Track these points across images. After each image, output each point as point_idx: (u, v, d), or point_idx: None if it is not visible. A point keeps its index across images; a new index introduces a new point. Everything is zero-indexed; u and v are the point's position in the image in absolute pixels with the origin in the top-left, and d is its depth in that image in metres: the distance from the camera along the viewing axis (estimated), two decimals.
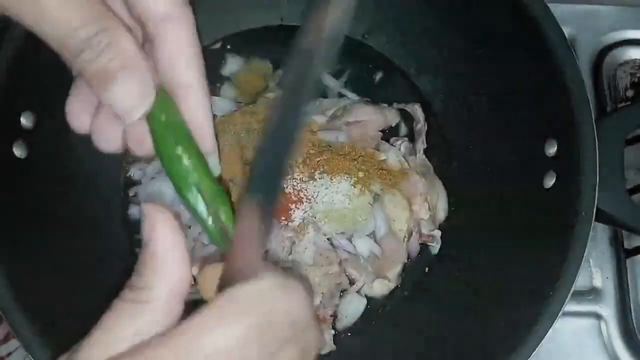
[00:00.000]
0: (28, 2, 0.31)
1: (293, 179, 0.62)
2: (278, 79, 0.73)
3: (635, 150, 0.71)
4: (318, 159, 0.63)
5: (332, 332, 0.63)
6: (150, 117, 0.34)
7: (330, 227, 0.62)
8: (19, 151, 0.54)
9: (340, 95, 0.73)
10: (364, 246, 0.63)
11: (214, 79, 0.72)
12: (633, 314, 0.68)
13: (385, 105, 0.72)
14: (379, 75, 0.74)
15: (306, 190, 0.62)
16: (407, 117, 0.72)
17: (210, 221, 0.33)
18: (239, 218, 0.30)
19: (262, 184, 0.30)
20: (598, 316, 0.69)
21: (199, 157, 0.34)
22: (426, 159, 0.70)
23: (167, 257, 0.30)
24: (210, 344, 0.26)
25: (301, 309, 0.28)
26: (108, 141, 0.37)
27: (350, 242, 0.63)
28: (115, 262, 0.62)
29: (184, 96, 0.35)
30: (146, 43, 0.35)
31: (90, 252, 0.60)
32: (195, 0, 0.36)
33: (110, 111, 0.34)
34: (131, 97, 0.32)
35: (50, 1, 0.31)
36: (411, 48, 0.72)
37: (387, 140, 0.70)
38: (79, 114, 0.37)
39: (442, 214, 0.68)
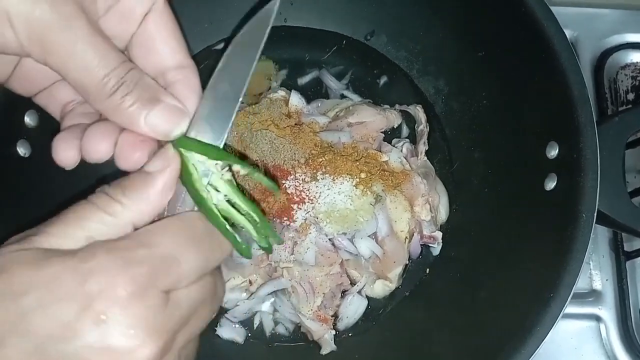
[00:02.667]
0: (62, 53, 0.33)
1: (295, 179, 0.62)
2: (281, 80, 0.74)
3: (636, 153, 0.71)
4: (320, 159, 0.63)
5: (333, 332, 0.63)
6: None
7: (332, 228, 0.62)
8: (22, 149, 0.54)
9: (343, 97, 0.73)
10: (365, 247, 0.63)
11: None
12: (632, 317, 0.68)
13: (388, 106, 0.72)
14: (381, 77, 0.75)
15: (308, 190, 0.62)
16: (409, 119, 0.73)
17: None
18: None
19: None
20: (598, 318, 0.69)
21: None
22: (428, 161, 0.70)
23: (155, 197, 0.34)
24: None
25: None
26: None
27: (352, 242, 0.63)
28: None
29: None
30: None
31: None
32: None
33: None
34: (169, 119, 0.36)
35: (78, 51, 0.34)
36: (414, 50, 0.73)
37: (389, 142, 0.70)
38: (66, 150, 0.39)
39: (443, 215, 0.68)
